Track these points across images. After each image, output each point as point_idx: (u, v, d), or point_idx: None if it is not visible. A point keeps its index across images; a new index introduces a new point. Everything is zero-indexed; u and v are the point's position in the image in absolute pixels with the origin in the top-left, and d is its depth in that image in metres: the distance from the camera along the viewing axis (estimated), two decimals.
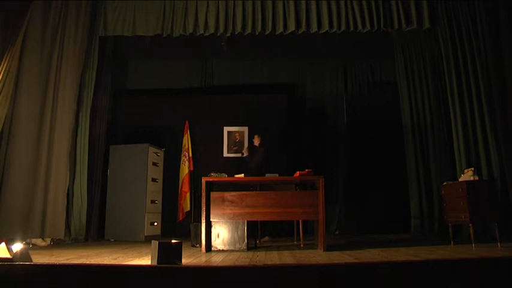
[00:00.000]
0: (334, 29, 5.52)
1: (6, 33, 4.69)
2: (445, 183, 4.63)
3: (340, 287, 2.18)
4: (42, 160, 4.90)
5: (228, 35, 5.78)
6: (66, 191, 5.17)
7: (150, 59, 7.42)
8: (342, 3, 5.55)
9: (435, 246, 4.21)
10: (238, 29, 5.52)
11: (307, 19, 5.52)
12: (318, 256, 3.55)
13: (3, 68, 4.52)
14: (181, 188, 6.63)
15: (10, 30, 4.73)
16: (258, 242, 4.88)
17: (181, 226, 6.52)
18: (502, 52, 5.13)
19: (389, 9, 5.54)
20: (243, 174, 4.45)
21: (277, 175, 4.41)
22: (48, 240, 4.94)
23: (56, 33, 5.24)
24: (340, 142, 7.23)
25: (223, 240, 4.23)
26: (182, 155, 6.77)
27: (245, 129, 6.87)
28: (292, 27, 5.50)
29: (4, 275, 2.19)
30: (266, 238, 5.43)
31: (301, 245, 4.63)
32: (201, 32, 5.57)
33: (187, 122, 6.87)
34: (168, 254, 2.85)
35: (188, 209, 6.58)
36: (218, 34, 5.68)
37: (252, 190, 4.85)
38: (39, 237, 4.81)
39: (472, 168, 4.42)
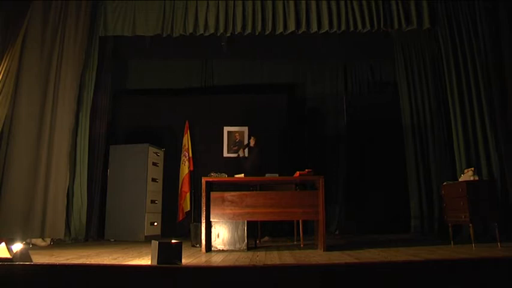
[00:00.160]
0: (334, 29, 5.52)
1: (6, 33, 4.69)
2: (445, 183, 4.63)
3: (340, 287, 2.18)
4: (42, 160, 4.90)
5: (228, 35, 5.78)
6: (66, 191, 5.17)
7: (150, 59, 7.42)
8: (342, 3, 5.55)
9: (435, 246, 4.21)
10: (238, 29, 5.52)
11: (307, 19, 5.52)
12: (318, 256, 3.55)
13: (3, 68, 4.52)
14: (181, 188, 6.63)
15: (10, 30, 4.72)
16: (258, 242, 4.88)
17: (181, 226, 6.52)
18: (502, 52, 5.13)
19: (389, 9, 5.54)
20: (243, 174, 4.45)
21: (277, 175, 4.41)
22: (48, 240, 4.94)
23: (56, 33, 5.24)
24: (340, 142, 7.23)
25: (223, 240, 4.23)
26: (182, 155, 6.77)
27: (245, 129, 6.87)
28: (292, 27, 5.50)
29: (4, 275, 2.19)
30: (266, 238, 5.43)
31: (301, 245, 4.63)
32: (201, 32, 5.57)
33: (187, 122, 6.87)
34: (168, 254, 2.84)
35: (188, 209, 6.58)
36: (218, 34, 5.68)
37: (252, 190, 4.85)
38: (39, 237, 4.81)
39: (472, 168, 4.42)
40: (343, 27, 5.51)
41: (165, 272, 2.31)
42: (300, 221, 4.93)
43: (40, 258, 3.39)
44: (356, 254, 3.64)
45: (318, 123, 7.41)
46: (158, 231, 6.31)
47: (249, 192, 4.23)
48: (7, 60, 4.57)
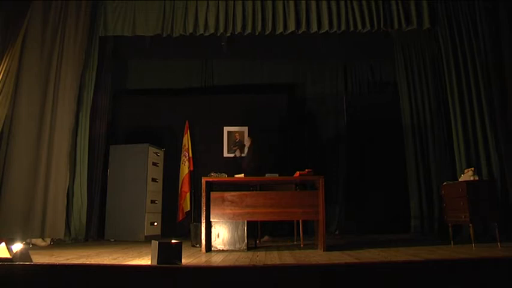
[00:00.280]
0: (334, 29, 5.52)
1: (6, 33, 4.69)
2: (445, 183, 4.63)
3: (340, 287, 2.18)
4: (42, 160, 4.90)
5: (228, 35, 5.78)
6: (66, 191, 5.17)
7: (150, 59, 7.42)
8: (342, 3, 5.55)
9: (435, 246, 4.21)
10: (238, 29, 5.52)
11: (307, 19, 5.52)
12: (318, 256, 3.55)
13: (3, 68, 4.52)
14: (181, 188, 6.63)
15: (10, 30, 4.72)
16: (258, 242, 4.88)
17: (181, 226, 6.52)
18: (502, 52, 5.13)
19: (389, 9, 5.54)
20: (243, 174, 4.45)
21: (277, 175, 4.41)
22: (48, 240, 4.94)
23: (56, 33, 5.24)
24: (340, 142, 7.23)
25: (223, 240, 4.23)
26: (182, 155, 6.77)
27: (245, 129, 6.87)
28: (292, 27, 5.50)
29: (4, 275, 2.19)
30: (266, 238, 5.43)
31: (301, 245, 4.63)
32: (201, 32, 5.57)
33: (187, 122, 6.87)
34: (168, 254, 2.84)
35: (188, 209, 6.58)
36: (218, 34, 5.68)
37: (252, 190, 4.85)
38: (39, 237, 4.81)
39: (472, 168, 4.42)
40: (343, 27, 5.51)
41: (165, 272, 2.31)
42: (300, 221, 4.93)
43: (40, 258, 3.39)
44: (356, 254, 3.64)
45: (318, 123, 7.41)
46: (158, 231, 6.31)
47: (249, 192, 4.23)
48: (7, 60, 4.57)
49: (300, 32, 5.56)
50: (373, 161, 6.90)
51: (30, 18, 4.96)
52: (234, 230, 4.23)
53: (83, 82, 5.63)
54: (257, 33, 5.57)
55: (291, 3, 5.53)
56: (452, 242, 4.35)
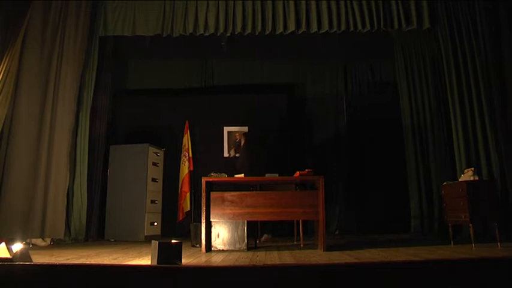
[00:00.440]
0: (334, 29, 5.52)
1: (6, 33, 4.69)
2: (445, 183, 4.63)
3: (340, 287, 2.18)
4: (42, 160, 4.90)
5: (228, 35, 5.78)
6: (66, 191, 5.17)
7: (150, 59, 7.42)
8: (342, 3, 5.55)
9: (435, 246, 4.21)
10: (238, 29, 5.52)
11: (307, 19, 5.52)
12: (318, 256, 3.55)
13: (3, 68, 4.52)
14: (181, 188, 6.63)
15: (10, 30, 4.72)
16: (258, 242, 4.88)
17: (181, 226, 6.52)
18: (502, 52, 5.13)
19: (389, 9, 5.54)
20: (243, 174, 4.45)
21: (277, 175, 4.40)
22: (48, 240, 4.94)
23: (56, 33, 5.24)
24: (340, 142, 7.23)
25: (223, 240, 4.23)
26: (182, 155, 6.77)
27: (245, 129, 6.86)
28: (292, 27, 5.50)
29: (4, 275, 2.19)
30: (265, 237, 5.40)
31: (301, 245, 4.63)
32: (201, 32, 5.56)
33: (187, 122, 6.87)
34: (168, 254, 2.84)
35: (188, 209, 6.58)
36: (218, 34, 5.67)
37: (252, 190, 4.85)
38: (39, 237, 4.81)
39: (472, 168, 4.42)
40: (343, 27, 5.51)
41: (165, 272, 2.31)
42: (300, 221, 4.93)
43: (40, 258, 3.39)
44: (356, 254, 3.64)
45: (318, 123, 7.40)
46: (158, 231, 6.31)
47: (249, 192, 4.23)
48: (7, 60, 4.57)
49: (300, 32, 5.56)
50: (373, 161, 6.90)
51: (30, 18, 4.96)
52: (234, 230, 4.23)
53: (83, 82, 5.62)
54: (257, 33, 5.57)
55: (291, 3, 5.53)
56: (452, 242, 4.35)
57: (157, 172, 6.51)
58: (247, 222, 4.24)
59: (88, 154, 5.64)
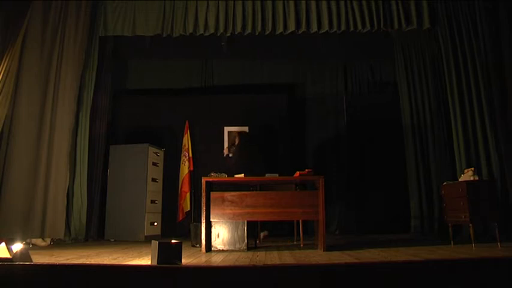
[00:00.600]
0: (334, 29, 5.52)
1: (6, 33, 4.69)
2: (445, 183, 4.63)
3: (340, 287, 2.18)
4: (42, 160, 4.90)
5: (228, 35, 5.78)
6: (66, 191, 5.17)
7: (150, 59, 7.42)
8: (342, 3, 5.55)
9: (435, 246, 4.21)
10: (238, 29, 5.52)
11: (307, 19, 5.52)
12: (318, 256, 3.55)
13: (3, 68, 4.52)
14: (181, 188, 6.63)
15: (10, 30, 4.72)
16: (258, 242, 4.88)
17: (181, 226, 6.52)
18: (502, 52, 5.13)
19: (389, 9, 5.54)
20: (243, 174, 4.45)
21: (277, 175, 4.41)
22: (48, 240, 4.94)
23: (56, 33, 5.24)
24: (340, 142, 7.23)
25: (223, 240, 4.23)
26: (182, 155, 6.77)
27: (245, 129, 6.86)
28: (292, 27, 5.50)
29: (4, 275, 2.19)
30: (263, 233, 5.37)
31: (301, 245, 4.63)
32: (201, 32, 5.56)
33: (187, 122, 6.87)
34: (168, 254, 2.84)
35: (188, 209, 6.58)
36: (218, 34, 5.67)
37: (252, 190, 4.85)
38: (39, 237, 4.81)
39: (472, 168, 4.42)
40: (343, 27, 5.51)
41: (165, 272, 2.31)
42: (300, 221, 4.93)
43: (40, 258, 3.39)
44: (356, 254, 3.64)
45: (318, 123, 7.40)
46: (158, 231, 6.31)
47: (249, 192, 4.23)
48: (7, 60, 4.57)
49: (300, 32, 5.56)
50: (373, 161, 6.90)
51: (30, 18, 4.96)
52: (234, 230, 4.23)
53: (83, 82, 5.62)
54: (257, 33, 5.57)
55: (291, 3, 5.53)
56: (452, 242, 4.35)
57: (157, 172, 6.51)
58: (247, 222, 4.24)
59: (88, 154, 5.64)
